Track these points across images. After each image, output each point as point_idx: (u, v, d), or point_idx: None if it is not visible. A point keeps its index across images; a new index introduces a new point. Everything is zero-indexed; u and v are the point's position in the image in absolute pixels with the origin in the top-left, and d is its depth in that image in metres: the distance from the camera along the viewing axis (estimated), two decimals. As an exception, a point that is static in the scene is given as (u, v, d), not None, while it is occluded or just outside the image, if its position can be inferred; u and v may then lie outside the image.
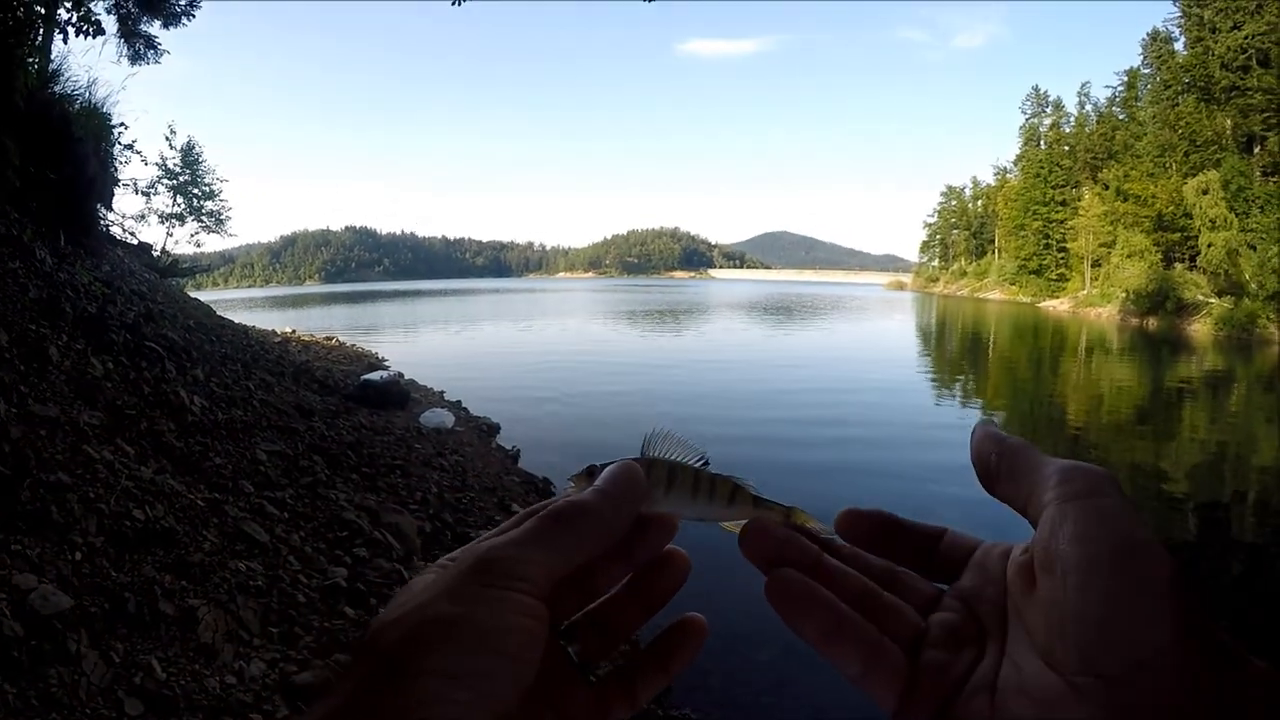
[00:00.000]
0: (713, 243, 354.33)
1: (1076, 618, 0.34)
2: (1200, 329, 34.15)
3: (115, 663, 2.68)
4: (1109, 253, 48.91)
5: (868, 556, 0.48)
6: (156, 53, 13.74)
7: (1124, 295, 42.67)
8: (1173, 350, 26.88)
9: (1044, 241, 63.54)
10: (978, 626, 0.42)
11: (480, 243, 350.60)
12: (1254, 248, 36.03)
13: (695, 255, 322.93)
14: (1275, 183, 38.85)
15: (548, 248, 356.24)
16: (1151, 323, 37.64)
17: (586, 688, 0.45)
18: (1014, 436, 0.45)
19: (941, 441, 11.08)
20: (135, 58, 13.55)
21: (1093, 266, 53.41)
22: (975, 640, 0.41)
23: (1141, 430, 13.45)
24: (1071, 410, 15.41)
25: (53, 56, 10.21)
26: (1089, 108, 65.21)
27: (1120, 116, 59.41)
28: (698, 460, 0.51)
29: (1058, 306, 54.24)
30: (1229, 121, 43.62)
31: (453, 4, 11.20)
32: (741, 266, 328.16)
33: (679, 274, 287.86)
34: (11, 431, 3.92)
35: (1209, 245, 38.35)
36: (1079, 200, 58.44)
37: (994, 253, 78.37)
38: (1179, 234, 43.29)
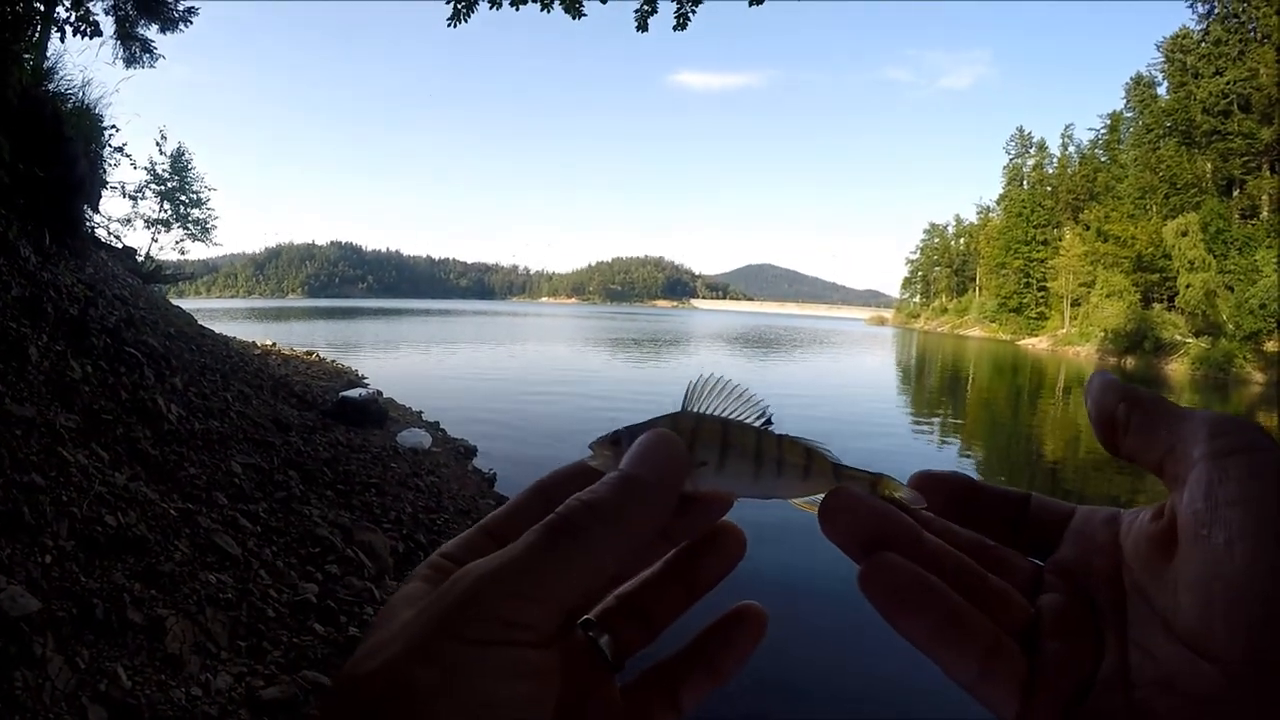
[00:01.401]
0: (696, 273, 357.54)
1: (1249, 594, 0.27)
2: (1178, 368, 34.71)
3: (81, 669, 2.65)
4: (1089, 292, 49.80)
5: (956, 529, 0.40)
6: (152, 57, 13.75)
7: (1103, 334, 43.41)
8: (1150, 389, 27.26)
9: (1025, 280, 64.69)
10: (1090, 607, 0.35)
11: (465, 264, 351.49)
12: (1231, 289, 36.87)
13: (679, 285, 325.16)
14: (1253, 225, 39.78)
15: (532, 272, 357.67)
16: (1129, 361, 38.21)
17: (618, 689, 0.38)
18: (1140, 387, 0.38)
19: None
20: (131, 61, 13.55)
21: (1072, 305, 54.35)
22: (1090, 625, 0.35)
23: (1120, 466, 13.56)
24: (1049, 446, 15.58)
25: (49, 54, 10.20)
26: (1072, 149, 67.21)
27: (1102, 158, 60.99)
28: (759, 419, 0.39)
29: (1037, 344, 55.03)
30: (1209, 165, 44.82)
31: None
32: (724, 297, 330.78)
33: (662, 303, 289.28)
34: (-13, 430, 3.89)
35: (1187, 286, 39.15)
36: (1060, 240, 59.72)
37: (975, 290, 79.50)
38: (1158, 274, 44.25)
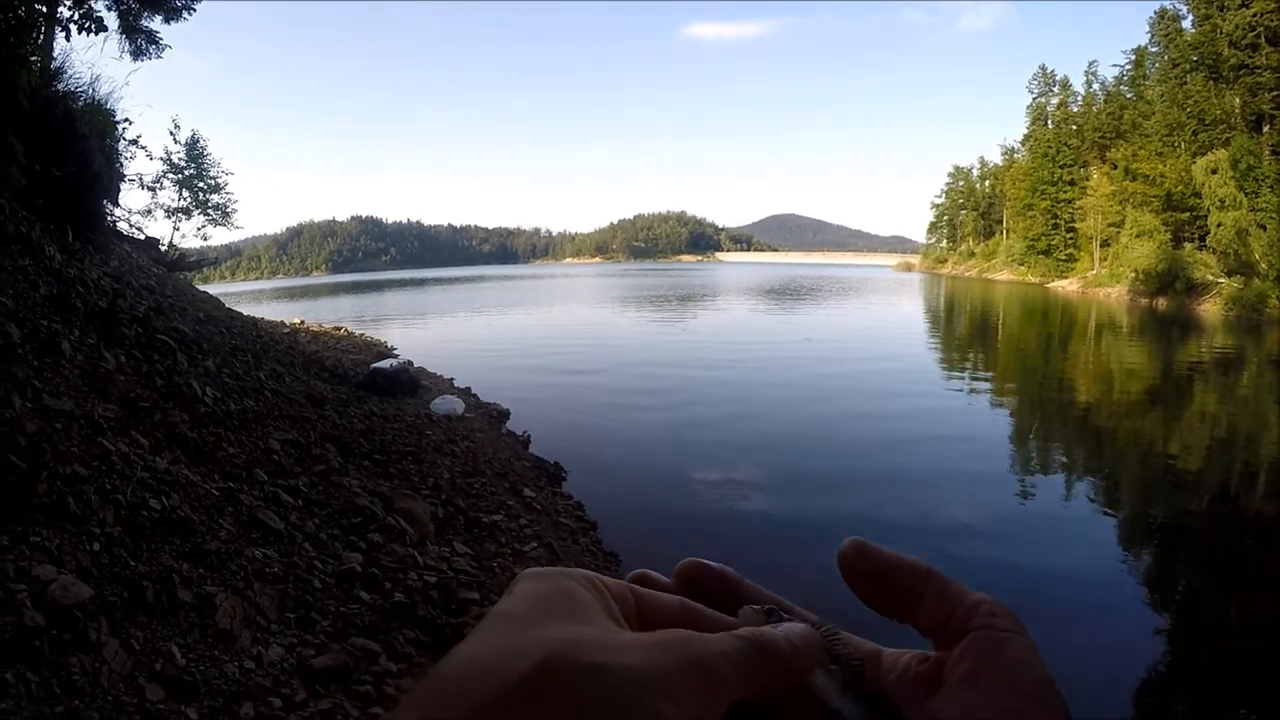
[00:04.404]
0: (720, 226, 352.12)
1: None
2: (1210, 309, 33.84)
3: (135, 650, 2.72)
4: (1118, 232, 48.31)
5: None
6: (158, 48, 13.71)
7: (1133, 275, 42.23)
8: (1182, 330, 26.66)
9: (1052, 221, 63.03)
10: None
11: (486, 230, 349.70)
12: (1264, 227, 35.59)
13: (702, 239, 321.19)
14: (1284, 162, 38.38)
15: (554, 233, 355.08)
16: (1161, 303, 37.33)
17: None
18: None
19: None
20: (137, 53, 13.53)
21: (1101, 246, 52.94)
22: None
23: (1151, 409, 13.37)
24: (1081, 390, 15.31)
25: (55, 54, 10.21)
26: (1096, 87, 64.72)
27: (1128, 96, 58.88)
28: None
29: (1066, 287, 53.79)
30: (1238, 100, 43.09)
31: None
32: (749, 249, 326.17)
33: (686, 258, 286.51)
34: (27, 426, 3.95)
35: (1218, 225, 37.86)
36: (1087, 180, 57.88)
37: (1002, 233, 77.77)
38: (1188, 213, 42.75)
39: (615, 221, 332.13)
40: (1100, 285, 48.24)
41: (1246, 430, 11.23)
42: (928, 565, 0.39)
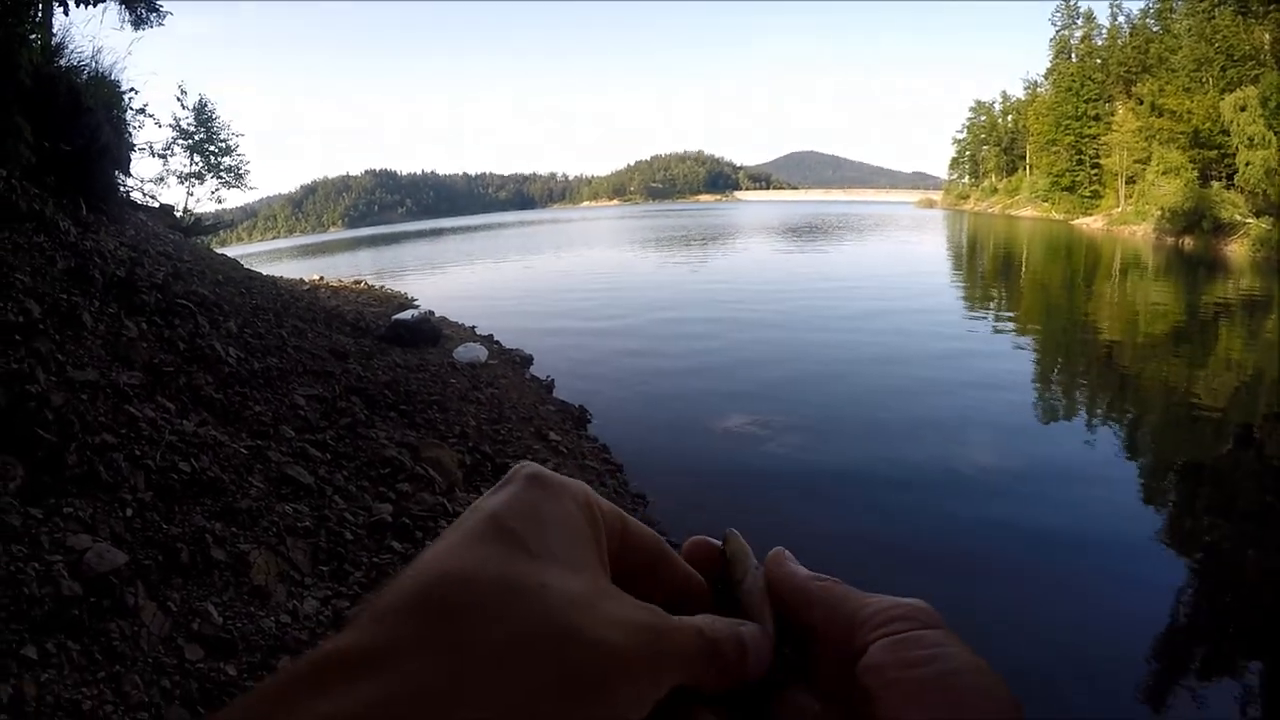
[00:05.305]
0: (738, 165, 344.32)
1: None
2: (1237, 249, 32.66)
3: (173, 611, 2.77)
4: (1143, 169, 46.83)
5: None
6: (159, 16, 13.48)
7: (1159, 213, 40.89)
8: (1209, 270, 25.87)
9: (1076, 157, 61.18)
10: None
11: (502, 177, 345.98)
12: None
13: (720, 178, 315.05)
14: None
15: (570, 177, 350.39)
16: (1187, 242, 36.19)
17: None
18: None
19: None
20: (138, 23, 13.32)
21: (1127, 183, 51.36)
22: None
23: (1176, 350, 13.06)
24: (1105, 329, 15.04)
25: (55, 30, 10.11)
26: (1121, 19, 62.48)
27: (1154, 29, 56.48)
28: None
29: (1091, 224, 52.39)
30: (1267, 35, 40.91)
31: None
32: (768, 188, 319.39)
33: (705, 197, 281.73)
34: (53, 399, 4.00)
35: (1247, 164, 36.34)
36: (1112, 115, 55.99)
37: (1025, 169, 75.66)
38: (1216, 151, 41.29)
39: (632, 163, 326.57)
40: (1125, 223, 46.86)
41: (1271, 373, 10.84)
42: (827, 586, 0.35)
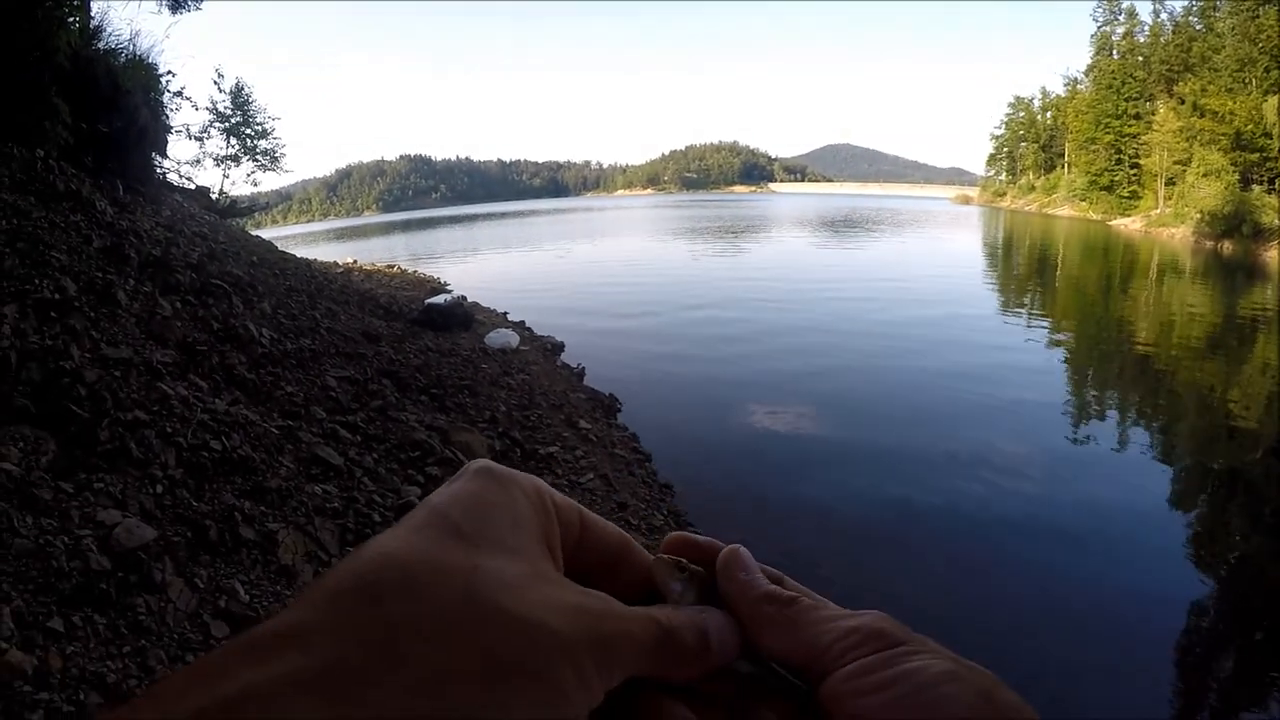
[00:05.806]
0: (773, 156, 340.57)
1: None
2: (1277, 255, 31.77)
3: (200, 588, 2.75)
4: (1184, 171, 45.44)
5: None
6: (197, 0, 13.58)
7: (1199, 216, 39.70)
8: (1248, 276, 25.02)
9: (1116, 157, 59.71)
10: None
11: (536, 164, 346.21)
12: None
13: (755, 169, 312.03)
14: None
15: (605, 166, 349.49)
16: (1226, 246, 35.05)
17: None
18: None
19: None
20: (176, 6, 13.42)
21: (1166, 185, 49.92)
22: None
23: (1212, 357, 12.64)
24: (1141, 333, 14.59)
25: (93, 14, 10.22)
26: (1164, 16, 60.53)
27: (1197, 27, 54.73)
28: None
29: (1129, 225, 51.07)
30: None
31: None
32: (803, 180, 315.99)
33: (739, 188, 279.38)
34: (87, 375, 4.01)
35: None
36: (1153, 114, 54.31)
37: (1063, 167, 73.89)
38: (1258, 154, 40.06)
39: (667, 153, 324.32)
40: (1164, 225, 45.61)
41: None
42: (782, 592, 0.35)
